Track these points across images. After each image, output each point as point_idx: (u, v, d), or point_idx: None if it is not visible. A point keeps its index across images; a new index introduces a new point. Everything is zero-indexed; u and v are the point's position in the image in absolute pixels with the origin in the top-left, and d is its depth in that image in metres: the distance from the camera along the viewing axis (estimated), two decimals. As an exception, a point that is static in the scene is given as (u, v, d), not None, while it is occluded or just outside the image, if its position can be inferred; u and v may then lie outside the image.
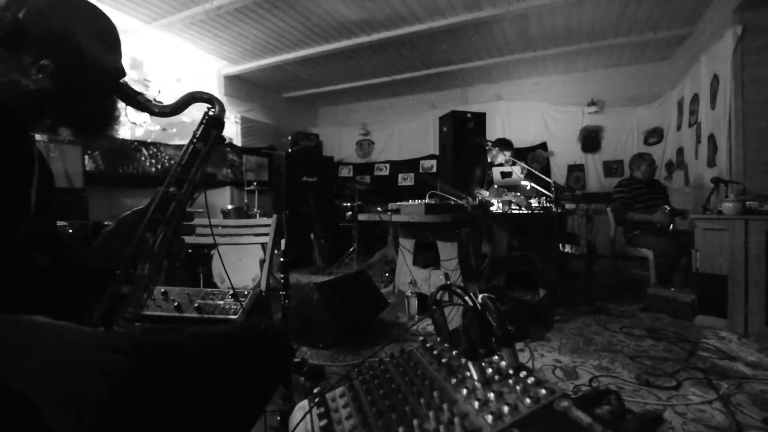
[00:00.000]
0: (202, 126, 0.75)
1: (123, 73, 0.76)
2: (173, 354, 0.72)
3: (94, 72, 0.70)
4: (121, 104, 0.77)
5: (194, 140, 0.73)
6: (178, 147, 5.01)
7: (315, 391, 0.63)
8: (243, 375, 0.74)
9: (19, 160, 0.70)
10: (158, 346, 0.74)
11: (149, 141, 4.63)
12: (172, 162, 4.92)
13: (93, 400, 0.49)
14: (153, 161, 4.72)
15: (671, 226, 3.19)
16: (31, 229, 0.68)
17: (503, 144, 3.79)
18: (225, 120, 0.77)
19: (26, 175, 0.70)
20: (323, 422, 0.56)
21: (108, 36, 0.74)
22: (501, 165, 3.72)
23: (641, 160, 3.49)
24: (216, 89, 5.64)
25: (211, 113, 0.75)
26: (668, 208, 3.22)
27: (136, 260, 0.64)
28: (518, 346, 2.18)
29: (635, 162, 3.53)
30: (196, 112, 0.81)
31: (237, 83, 5.98)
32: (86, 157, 3.93)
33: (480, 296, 0.57)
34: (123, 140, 4.30)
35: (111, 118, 0.76)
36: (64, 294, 0.52)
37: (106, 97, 0.74)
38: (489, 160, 3.87)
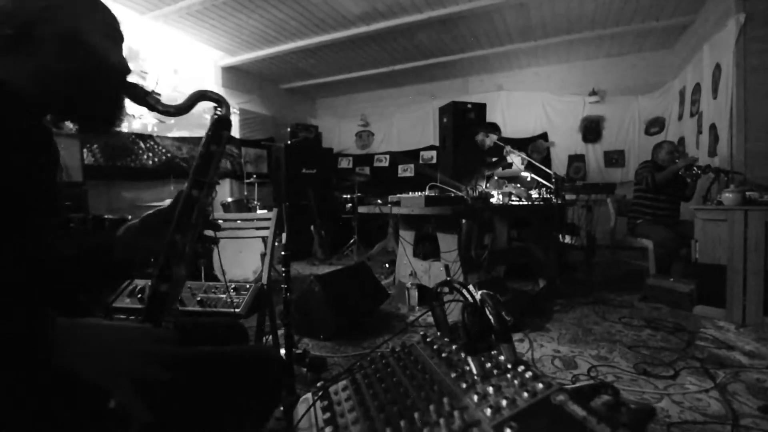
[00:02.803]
0: (214, 128, 0.75)
1: (128, 69, 0.75)
2: (197, 361, 0.76)
3: (102, 68, 0.69)
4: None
5: (208, 143, 0.74)
6: (176, 139, 4.98)
7: (318, 384, 0.65)
8: (247, 389, 0.76)
9: (49, 155, 0.73)
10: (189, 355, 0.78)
11: (147, 133, 4.61)
12: (169, 155, 4.90)
13: (156, 385, 0.55)
14: (150, 154, 4.69)
15: (696, 176, 3.21)
16: (60, 220, 0.74)
17: (491, 127, 3.77)
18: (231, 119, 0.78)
19: (53, 168, 0.74)
20: (326, 415, 0.58)
21: (113, 31, 0.73)
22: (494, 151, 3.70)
23: (660, 149, 3.49)
24: (213, 80, 5.60)
25: (218, 113, 0.75)
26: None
27: (170, 261, 0.68)
28: (518, 336, 2.20)
29: (655, 151, 3.54)
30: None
31: (235, 74, 5.93)
32: (85, 150, 3.91)
33: (479, 292, 0.58)
34: (120, 133, 4.27)
35: (118, 116, 0.75)
36: (89, 279, 0.58)
37: (115, 95, 0.73)
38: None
